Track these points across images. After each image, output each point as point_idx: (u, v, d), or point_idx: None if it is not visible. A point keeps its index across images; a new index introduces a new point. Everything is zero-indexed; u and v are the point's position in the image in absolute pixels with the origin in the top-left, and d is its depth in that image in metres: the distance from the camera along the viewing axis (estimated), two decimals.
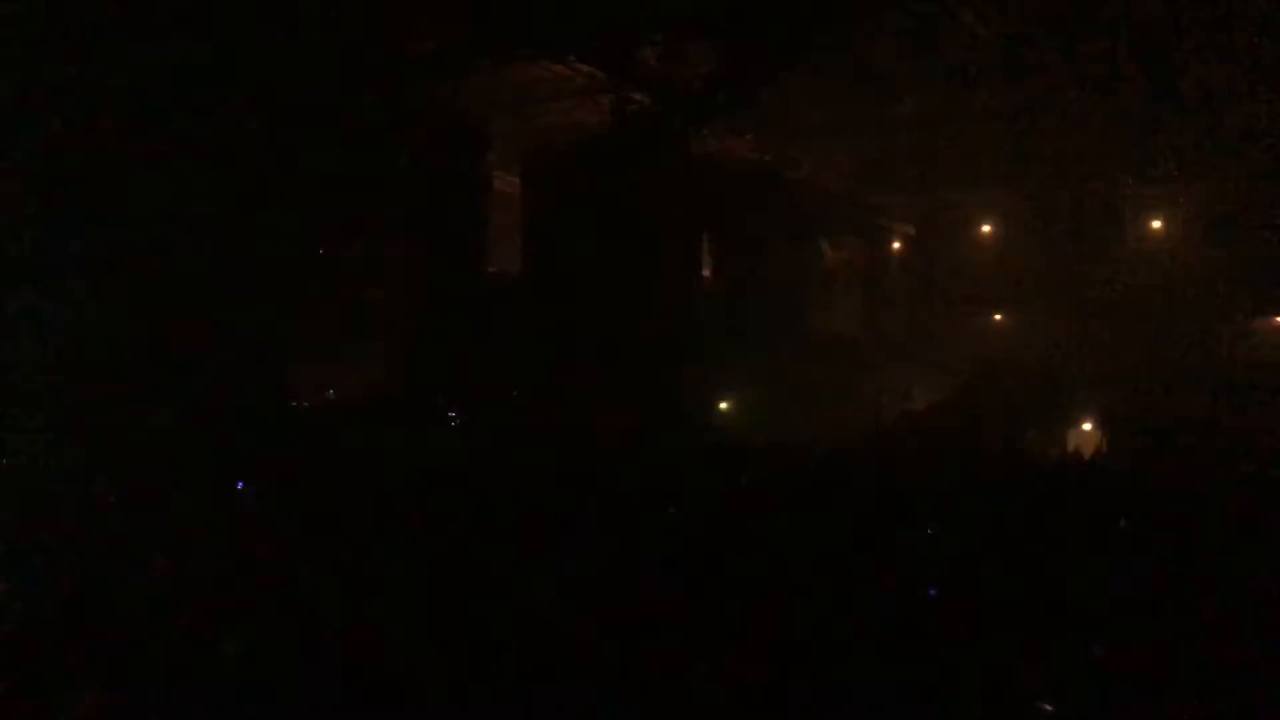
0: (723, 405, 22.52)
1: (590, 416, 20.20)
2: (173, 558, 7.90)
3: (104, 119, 13.89)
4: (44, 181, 13.80)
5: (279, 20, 15.21)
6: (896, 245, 27.52)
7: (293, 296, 19.31)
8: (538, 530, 9.89)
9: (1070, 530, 10.06)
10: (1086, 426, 21.52)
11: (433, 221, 22.42)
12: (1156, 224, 23.20)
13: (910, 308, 26.09)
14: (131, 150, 14.58)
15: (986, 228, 25.72)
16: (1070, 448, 21.09)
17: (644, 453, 17.75)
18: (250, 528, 9.87)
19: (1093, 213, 22.91)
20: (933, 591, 7.77)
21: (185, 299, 16.35)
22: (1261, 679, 5.93)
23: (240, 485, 12.01)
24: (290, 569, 7.95)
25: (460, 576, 7.91)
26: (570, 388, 20.95)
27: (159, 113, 14.72)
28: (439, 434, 20.52)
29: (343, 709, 5.45)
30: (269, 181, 18.15)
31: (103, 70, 13.65)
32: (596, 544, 9.37)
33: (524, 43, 17.10)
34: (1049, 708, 5.67)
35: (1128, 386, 19.90)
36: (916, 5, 16.77)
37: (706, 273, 23.20)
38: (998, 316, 24.86)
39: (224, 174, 18.27)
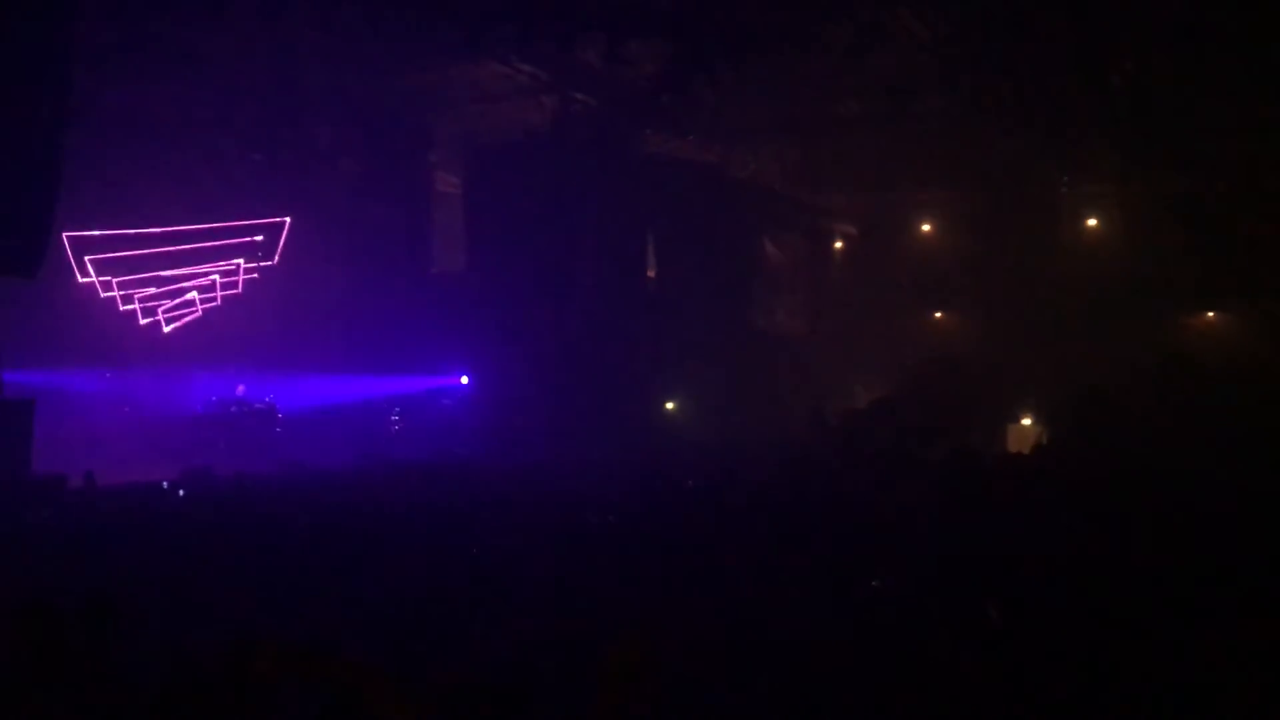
0: (667, 406, 22.57)
1: (537, 419, 20.20)
2: None
3: None
4: None
5: None
6: (839, 244, 27.75)
7: None
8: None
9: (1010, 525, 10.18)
10: (1026, 422, 21.87)
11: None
12: (1092, 222, 23.61)
13: (854, 307, 26.28)
14: None
15: (926, 227, 26.00)
16: (1011, 446, 21.41)
17: (585, 456, 17.75)
18: None
19: (1033, 211, 23.23)
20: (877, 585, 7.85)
21: None
22: None
23: None
24: None
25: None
26: (517, 389, 20.92)
27: None
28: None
29: None
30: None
31: None
32: (545, 551, 9.35)
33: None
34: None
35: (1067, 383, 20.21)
36: (858, 8, 16.91)
37: (650, 273, 23.23)
38: (938, 315, 25.14)
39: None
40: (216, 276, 21.99)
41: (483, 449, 19.33)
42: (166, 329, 21.32)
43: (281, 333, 21.63)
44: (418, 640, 6.57)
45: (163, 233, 20.39)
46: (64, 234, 18.53)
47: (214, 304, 22.03)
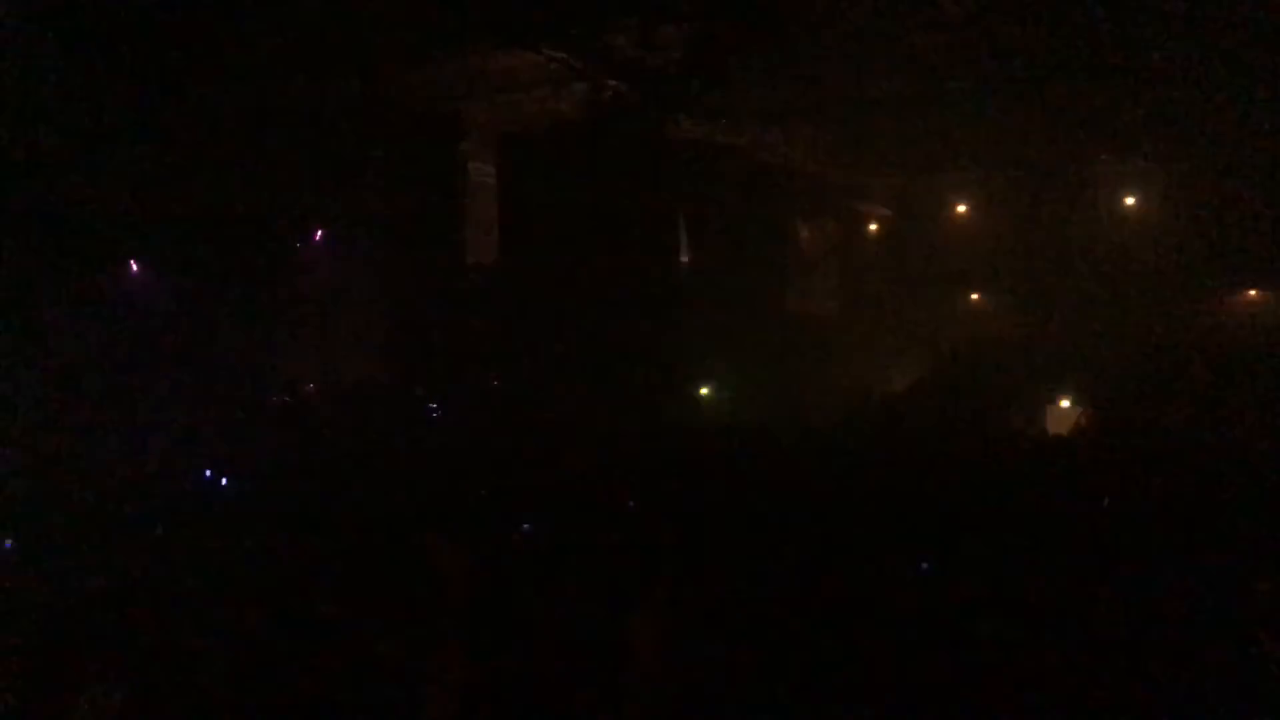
0: (702, 391, 22.53)
1: (571, 408, 20.19)
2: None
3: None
4: None
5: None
6: (873, 226, 27.59)
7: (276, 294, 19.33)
8: (520, 524, 9.89)
9: (1046, 513, 10.10)
10: (1065, 405, 21.66)
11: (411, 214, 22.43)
12: (1131, 201, 23.31)
13: (887, 289, 26.16)
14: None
15: (961, 208, 25.81)
16: (1048, 427, 21.24)
17: (624, 442, 17.74)
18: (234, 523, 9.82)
19: (1068, 190, 23.01)
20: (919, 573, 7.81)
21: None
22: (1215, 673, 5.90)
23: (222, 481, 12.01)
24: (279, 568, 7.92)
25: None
26: (550, 378, 20.94)
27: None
28: (421, 429, 20.47)
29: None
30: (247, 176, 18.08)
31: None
32: (579, 537, 9.37)
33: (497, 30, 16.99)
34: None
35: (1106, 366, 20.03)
36: None
37: (684, 259, 23.18)
38: (974, 296, 25.00)
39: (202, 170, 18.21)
40: None
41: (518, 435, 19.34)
42: None
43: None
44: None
45: None
46: None
47: None
